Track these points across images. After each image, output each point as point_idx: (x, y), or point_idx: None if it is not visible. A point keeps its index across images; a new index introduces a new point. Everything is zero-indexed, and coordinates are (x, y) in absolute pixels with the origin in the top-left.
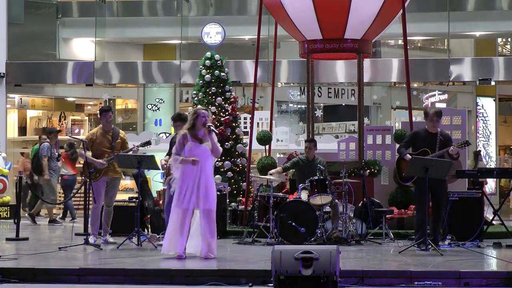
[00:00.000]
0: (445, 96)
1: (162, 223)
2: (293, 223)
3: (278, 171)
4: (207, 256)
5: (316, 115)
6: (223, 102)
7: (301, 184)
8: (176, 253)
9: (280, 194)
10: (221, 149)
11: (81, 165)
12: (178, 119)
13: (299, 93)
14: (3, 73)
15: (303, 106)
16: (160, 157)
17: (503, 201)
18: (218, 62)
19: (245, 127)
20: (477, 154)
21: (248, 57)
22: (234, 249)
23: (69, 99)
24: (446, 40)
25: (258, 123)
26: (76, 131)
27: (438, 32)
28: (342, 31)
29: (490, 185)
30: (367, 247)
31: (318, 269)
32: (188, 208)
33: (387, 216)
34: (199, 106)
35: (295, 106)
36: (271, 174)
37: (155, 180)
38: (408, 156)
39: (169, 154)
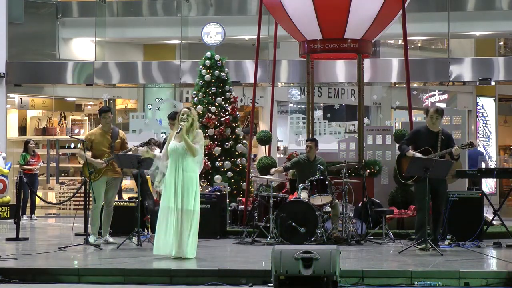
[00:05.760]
0: (445, 96)
1: None
2: (293, 223)
3: (279, 170)
4: (177, 255)
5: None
6: (223, 102)
7: (301, 184)
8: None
9: (280, 194)
10: (195, 147)
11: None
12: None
13: (299, 93)
14: (3, 73)
15: (303, 106)
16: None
17: (503, 201)
18: (218, 62)
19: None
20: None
21: (248, 57)
22: (234, 249)
23: (69, 99)
24: (446, 40)
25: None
26: (76, 131)
27: (438, 32)
28: (342, 31)
29: (490, 185)
30: (367, 247)
31: (318, 269)
32: (167, 205)
33: (387, 216)
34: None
35: (295, 106)
36: (271, 174)
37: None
38: (411, 151)
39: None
